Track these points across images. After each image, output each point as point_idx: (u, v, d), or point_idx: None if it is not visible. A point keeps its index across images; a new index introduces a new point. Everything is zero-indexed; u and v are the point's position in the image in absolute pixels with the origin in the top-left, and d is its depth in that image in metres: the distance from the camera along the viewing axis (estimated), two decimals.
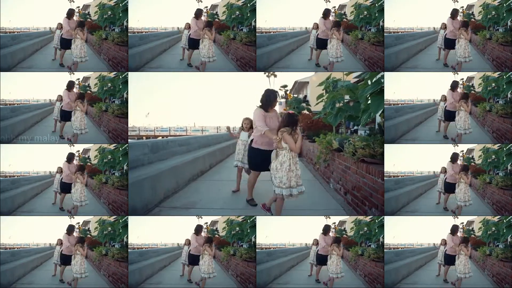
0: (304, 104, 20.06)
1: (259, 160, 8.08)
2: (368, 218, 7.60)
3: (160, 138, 19.39)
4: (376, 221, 7.51)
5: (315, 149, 13.24)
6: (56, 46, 8.13)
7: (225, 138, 19.59)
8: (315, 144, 13.41)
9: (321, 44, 8.41)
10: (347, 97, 11.90)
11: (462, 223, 7.82)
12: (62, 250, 7.83)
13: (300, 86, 36.92)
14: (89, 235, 7.79)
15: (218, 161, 15.49)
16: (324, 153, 10.81)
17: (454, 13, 8.01)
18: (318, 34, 8.41)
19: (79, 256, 7.70)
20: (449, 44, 8.15)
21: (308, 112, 19.51)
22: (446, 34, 8.14)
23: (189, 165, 11.29)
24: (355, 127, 17.62)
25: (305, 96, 31.63)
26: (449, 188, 8.05)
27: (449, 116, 8.24)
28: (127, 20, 7.75)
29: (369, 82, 8.46)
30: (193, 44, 8.35)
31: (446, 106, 8.22)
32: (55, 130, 8.19)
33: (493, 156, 7.72)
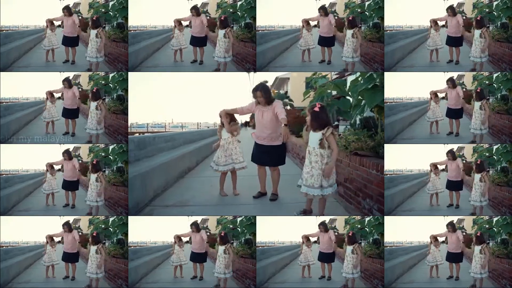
0: (286, 100, 20.13)
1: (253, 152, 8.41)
2: (359, 217, 7.67)
3: (137, 134, 19.25)
4: (373, 219, 7.56)
5: (302, 143, 13.32)
6: (52, 47, 8.10)
7: (209, 134, 19.46)
8: (301, 139, 13.48)
9: (324, 42, 8.35)
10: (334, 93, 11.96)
11: (452, 220, 7.89)
12: (64, 249, 7.86)
13: (281, 82, 36.99)
14: (80, 233, 7.77)
15: (204, 157, 15.40)
16: None
17: (452, 10, 8.05)
18: (320, 33, 8.34)
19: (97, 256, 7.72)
20: (451, 41, 8.16)
21: (290, 108, 19.59)
22: (447, 32, 8.17)
23: (177, 161, 11.24)
24: (336, 122, 17.72)
25: (286, 92, 31.70)
26: (452, 186, 8.05)
27: (450, 113, 8.26)
28: (125, 16, 7.75)
29: (360, 79, 8.53)
30: (195, 41, 8.33)
31: (447, 104, 8.28)
32: (47, 131, 8.16)
33: (487, 154, 7.82)
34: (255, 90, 8.39)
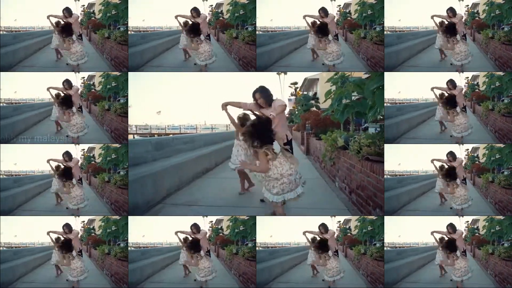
0: (313, 101, 20.06)
1: None
2: (372, 217, 7.58)
3: (171, 135, 19.43)
4: (378, 218, 7.50)
5: (322, 146, 13.09)
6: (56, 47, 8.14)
7: (233, 136, 19.43)
8: (321, 142, 13.25)
9: None
10: (354, 93, 11.81)
11: (467, 221, 7.77)
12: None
13: (310, 83, 36.79)
14: (93, 234, 7.81)
15: (224, 158, 15.34)
16: (330, 151, 10.66)
17: (452, 11, 7.92)
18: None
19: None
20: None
21: (317, 109, 19.50)
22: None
23: (192, 162, 11.26)
24: (366, 125, 17.55)
25: (315, 93, 31.53)
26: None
27: None
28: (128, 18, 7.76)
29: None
30: None
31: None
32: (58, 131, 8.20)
33: (497, 155, 7.68)
34: (254, 93, 8.37)
